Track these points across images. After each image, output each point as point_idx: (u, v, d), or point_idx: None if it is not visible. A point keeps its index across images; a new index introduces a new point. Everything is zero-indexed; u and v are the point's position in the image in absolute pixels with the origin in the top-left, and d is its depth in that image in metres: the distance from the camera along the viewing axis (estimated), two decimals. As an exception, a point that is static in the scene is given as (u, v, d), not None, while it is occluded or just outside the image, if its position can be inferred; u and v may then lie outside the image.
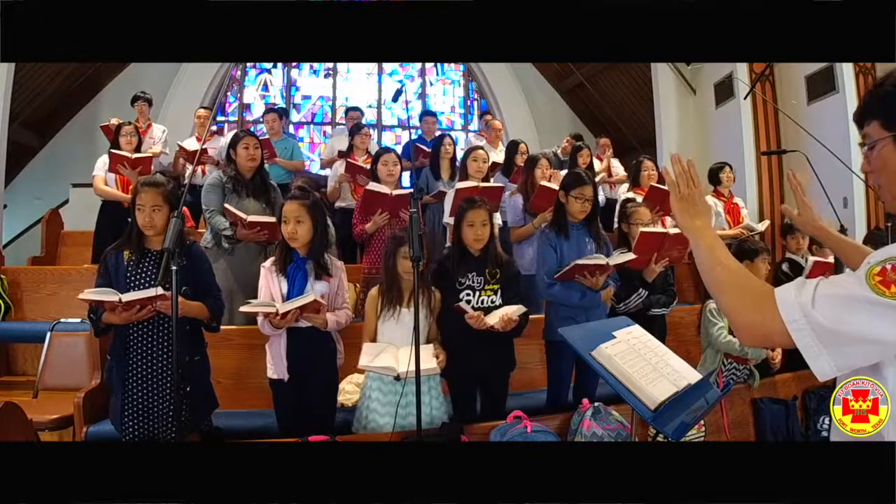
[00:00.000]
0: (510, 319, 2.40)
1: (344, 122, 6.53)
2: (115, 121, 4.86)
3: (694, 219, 1.15)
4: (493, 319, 2.39)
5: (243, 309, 2.30)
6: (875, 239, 3.85)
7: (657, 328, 2.95)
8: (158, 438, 2.19)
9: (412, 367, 2.04)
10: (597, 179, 3.44)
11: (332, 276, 2.48)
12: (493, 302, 2.53)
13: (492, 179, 4.15)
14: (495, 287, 2.55)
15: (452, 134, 6.45)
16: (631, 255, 2.79)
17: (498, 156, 4.99)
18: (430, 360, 2.32)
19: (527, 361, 2.96)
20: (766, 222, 4.94)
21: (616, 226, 3.78)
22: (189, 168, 4.82)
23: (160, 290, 2.06)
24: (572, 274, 2.64)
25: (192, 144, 5.10)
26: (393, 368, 2.27)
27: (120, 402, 2.21)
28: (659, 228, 3.00)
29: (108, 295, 2.07)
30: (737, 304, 1.02)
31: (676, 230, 3.18)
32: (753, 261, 3.29)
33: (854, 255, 1.38)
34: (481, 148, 3.99)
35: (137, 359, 2.21)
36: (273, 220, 2.81)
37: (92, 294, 2.09)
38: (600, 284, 2.69)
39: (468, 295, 2.52)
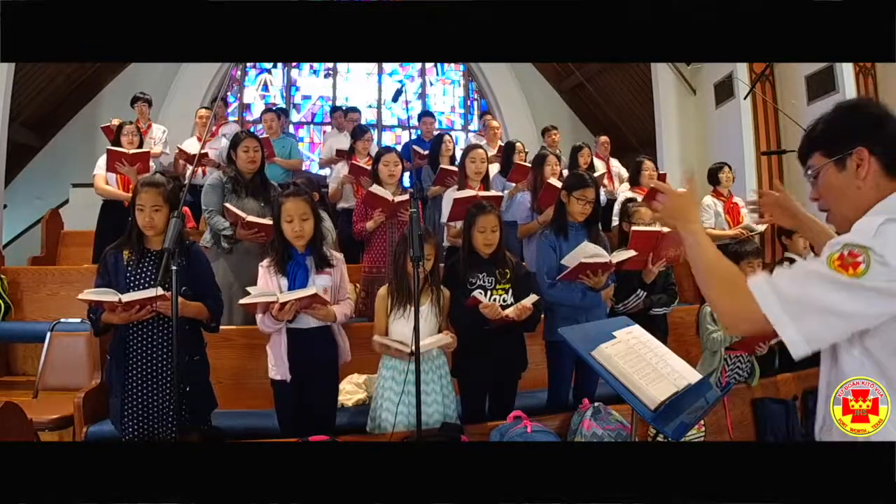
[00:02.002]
0: (525, 308, 2.46)
1: (330, 120, 6.54)
2: (116, 121, 4.85)
3: (684, 223, 1.27)
4: (509, 309, 2.44)
5: (243, 301, 2.28)
6: None
7: (659, 328, 2.95)
8: (158, 438, 2.19)
9: (428, 340, 2.28)
10: (595, 175, 3.44)
11: (334, 267, 2.47)
12: (504, 301, 2.56)
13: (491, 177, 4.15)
14: (506, 286, 2.58)
15: (452, 134, 6.45)
16: (632, 253, 2.79)
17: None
18: (444, 338, 2.39)
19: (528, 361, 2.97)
20: (766, 223, 4.94)
21: (616, 225, 3.79)
22: (189, 168, 4.80)
23: (160, 291, 2.06)
24: (576, 274, 2.64)
25: (191, 146, 5.07)
26: (407, 345, 2.28)
27: (120, 402, 2.21)
28: (652, 228, 2.98)
29: (108, 295, 2.07)
30: (716, 293, 1.15)
31: (669, 229, 3.17)
32: (739, 264, 3.28)
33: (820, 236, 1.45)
34: (480, 147, 3.98)
35: (137, 359, 2.21)
36: (270, 222, 2.81)
37: (91, 295, 2.09)
38: (602, 283, 2.69)
39: (480, 294, 2.53)
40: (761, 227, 4.62)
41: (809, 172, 1.19)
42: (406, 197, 3.43)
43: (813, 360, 1.22)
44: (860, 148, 1.10)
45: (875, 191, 1.10)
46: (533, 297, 2.50)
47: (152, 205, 2.21)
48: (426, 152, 4.98)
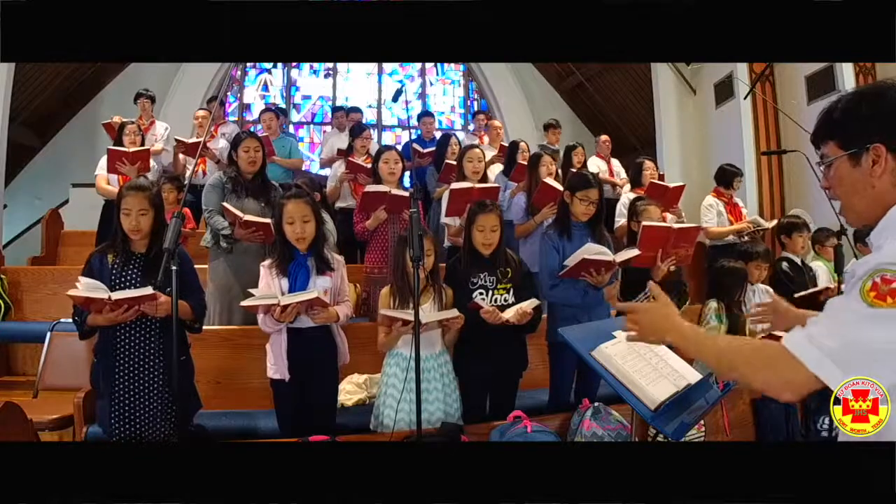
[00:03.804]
0: (525, 312, 2.45)
1: (330, 120, 6.54)
2: (117, 119, 4.83)
3: (665, 335, 1.21)
4: (509, 314, 2.44)
5: (244, 303, 2.28)
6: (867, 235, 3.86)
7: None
8: (146, 440, 2.18)
9: (435, 317, 2.31)
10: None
11: (335, 270, 2.47)
12: (506, 301, 2.56)
13: (490, 176, 4.14)
14: (507, 286, 2.58)
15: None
16: (635, 252, 2.78)
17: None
18: (451, 312, 2.37)
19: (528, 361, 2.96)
20: (775, 221, 4.90)
21: (621, 225, 3.77)
22: (189, 167, 4.79)
23: (150, 290, 2.05)
24: (578, 270, 2.63)
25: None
26: (411, 313, 2.28)
27: (108, 405, 2.20)
28: (663, 224, 2.96)
29: (98, 292, 2.05)
30: (749, 371, 1.04)
31: (680, 225, 3.16)
32: (748, 264, 3.29)
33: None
34: (476, 147, 3.97)
35: (124, 361, 2.20)
36: (268, 221, 2.80)
37: (82, 290, 2.06)
38: (605, 282, 2.69)
39: (481, 294, 2.54)
40: (769, 224, 4.59)
41: (822, 161, 1.10)
42: (404, 192, 3.42)
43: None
44: (877, 144, 1.00)
45: (892, 189, 1.01)
46: (534, 302, 2.49)
47: (139, 209, 2.20)
48: (426, 150, 4.97)
